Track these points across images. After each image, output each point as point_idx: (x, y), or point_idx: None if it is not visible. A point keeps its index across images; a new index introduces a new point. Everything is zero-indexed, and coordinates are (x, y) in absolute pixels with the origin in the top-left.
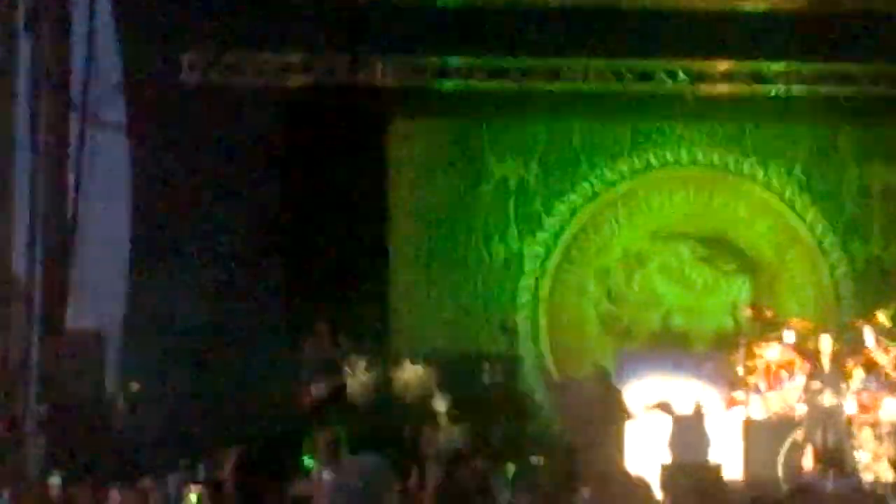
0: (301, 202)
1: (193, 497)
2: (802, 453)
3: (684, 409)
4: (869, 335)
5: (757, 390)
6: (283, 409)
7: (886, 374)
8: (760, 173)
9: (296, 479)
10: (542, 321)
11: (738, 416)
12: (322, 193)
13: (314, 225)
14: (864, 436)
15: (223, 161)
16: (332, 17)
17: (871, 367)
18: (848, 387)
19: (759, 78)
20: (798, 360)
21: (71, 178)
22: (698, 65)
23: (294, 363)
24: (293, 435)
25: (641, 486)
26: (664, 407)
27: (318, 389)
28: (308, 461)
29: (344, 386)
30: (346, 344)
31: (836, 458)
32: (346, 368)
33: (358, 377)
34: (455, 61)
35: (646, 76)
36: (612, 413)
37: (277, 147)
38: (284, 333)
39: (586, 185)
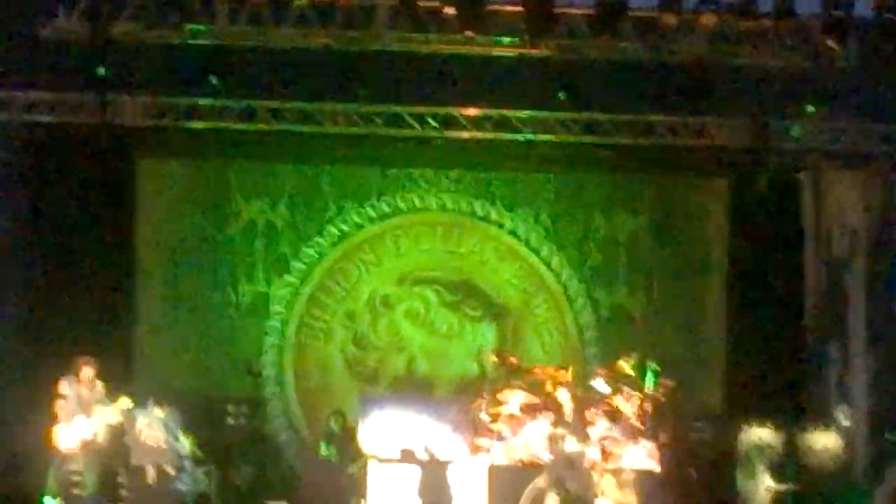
0: (47, 240)
1: None
2: (545, 500)
3: (428, 455)
4: (605, 384)
5: (501, 437)
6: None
7: (629, 422)
8: (507, 220)
9: None
10: (288, 364)
11: (483, 462)
12: (68, 232)
13: (58, 263)
14: (607, 483)
15: None
16: (79, 56)
17: (614, 414)
18: (590, 434)
19: (506, 125)
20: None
21: None
22: (446, 110)
23: (35, 402)
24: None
25: None
26: (408, 454)
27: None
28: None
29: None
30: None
31: None
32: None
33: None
34: (205, 101)
35: (394, 121)
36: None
37: (22, 184)
38: (21, 368)
39: (334, 228)
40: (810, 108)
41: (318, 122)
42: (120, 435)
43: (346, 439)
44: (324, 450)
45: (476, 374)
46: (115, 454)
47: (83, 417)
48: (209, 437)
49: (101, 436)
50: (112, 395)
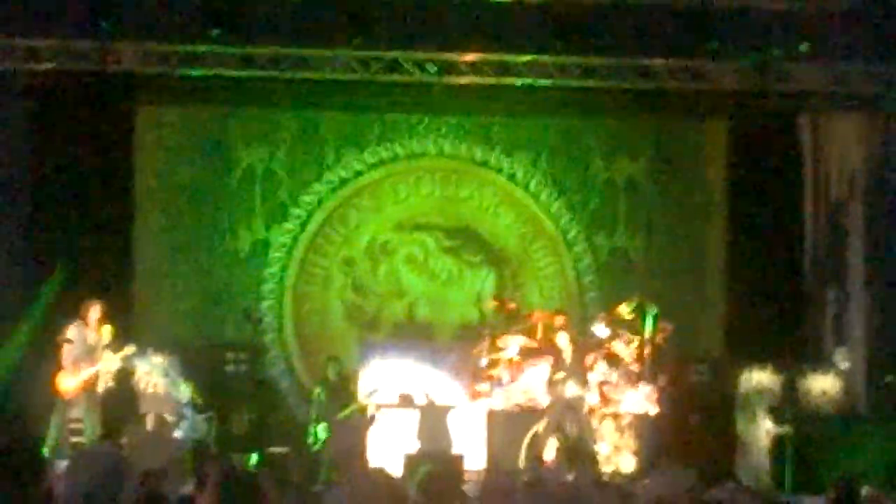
0: (46, 187)
1: None
2: (544, 444)
3: (427, 400)
4: (605, 328)
5: (500, 382)
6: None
7: (628, 367)
8: (506, 165)
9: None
10: (288, 310)
11: (482, 407)
12: (67, 179)
13: (58, 210)
14: (606, 427)
15: None
16: (80, 3)
17: (613, 359)
18: (589, 379)
19: (505, 70)
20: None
21: None
22: (445, 56)
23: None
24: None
25: (384, 479)
26: (407, 398)
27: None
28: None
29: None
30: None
31: (577, 450)
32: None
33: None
34: (202, 49)
35: (393, 67)
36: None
37: (23, 131)
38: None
39: (333, 175)
40: (803, 47)
41: (316, 68)
42: (125, 381)
43: (339, 386)
44: (316, 394)
45: (476, 319)
46: (120, 401)
47: (88, 362)
48: (209, 385)
49: (106, 381)
50: (118, 339)
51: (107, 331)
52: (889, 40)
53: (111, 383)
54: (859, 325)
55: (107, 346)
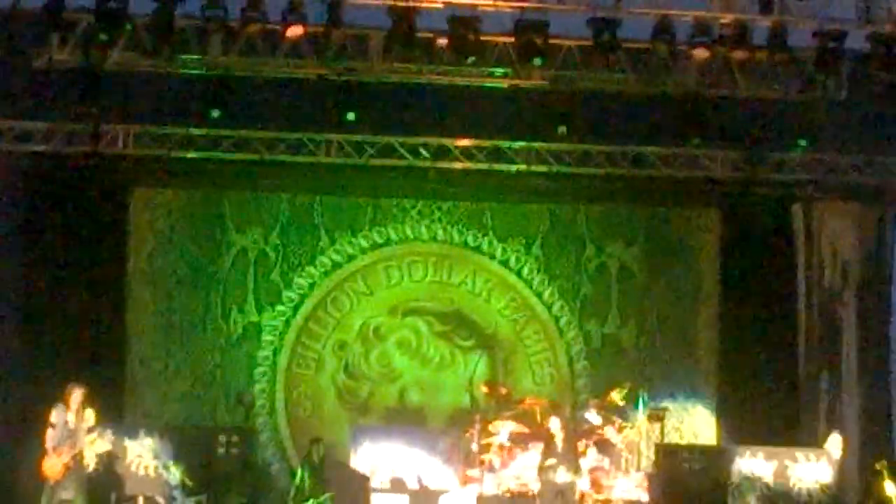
0: (39, 268)
1: None
2: None
3: (419, 485)
4: (596, 415)
5: (491, 468)
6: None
7: (620, 453)
8: (499, 251)
9: None
10: (280, 394)
11: (473, 492)
12: (61, 260)
13: (51, 291)
14: None
15: None
16: (74, 85)
17: (604, 445)
18: (581, 465)
19: (498, 155)
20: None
21: None
22: (439, 141)
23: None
24: None
25: None
26: (399, 483)
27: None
28: None
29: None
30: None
31: None
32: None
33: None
34: (198, 131)
35: (387, 151)
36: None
37: (16, 213)
38: (16, 400)
39: (326, 258)
40: (802, 142)
41: (310, 152)
42: (111, 463)
43: (321, 470)
44: (297, 478)
45: (467, 404)
46: (107, 483)
47: (69, 446)
48: (199, 467)
49: (92, 464)
50: (104, 422)
51: (89, 414)
52: (882, 131)
53: (98, 465)
54: (852, 413)
55: (90, 430)
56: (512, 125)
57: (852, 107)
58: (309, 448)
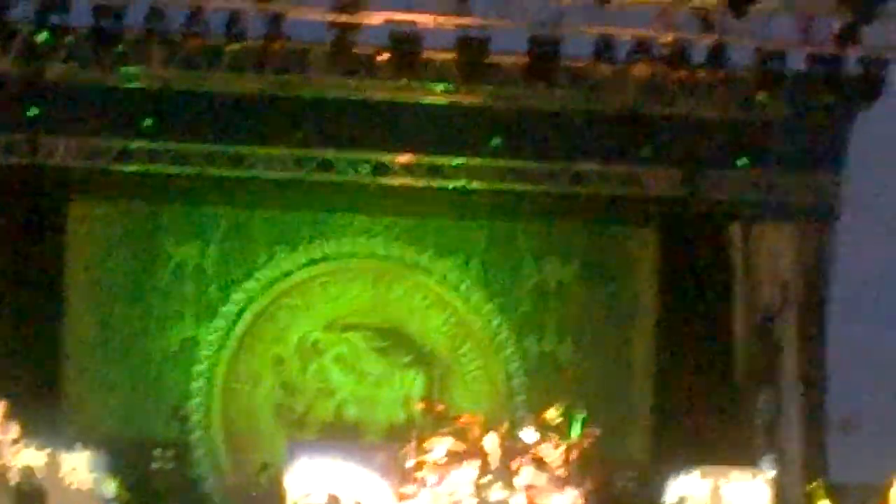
0: None
1: None
2: None
3: (355, 501)
4: (532, 432)
5: (426, 484)
6: None
7: (555, 471)
8: (437, 267)
9: None
10: (216, 409)
11: None
12: None
13: None
14: None
15: None
16: (12, 96)
17: (540, 463)
18: (516, 483)
19: (437, 172)
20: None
21: None
22: (378, 157)
23: None
24: None
25: None
26: (335, 499)
27: None
28: None
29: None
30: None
31: None
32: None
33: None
34: (137, 144)
35: (326, 166)
36: None
37: None
38: None
39: (263, 273)
40: (742, 161)
41: (250, 166)
42: (35, 477)
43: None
44: None
45: (404, 420)
46: (33, 497)
47: None
48: (135, 481)
49: (15, 477)
50: (40, 435)
51: (13, 427)
52: (821, 150)
53: (23, 479)
54: (790, 432)
55: (14, 442)
56: (452, 141)
57: (792, 126)
58: (258, 472)
